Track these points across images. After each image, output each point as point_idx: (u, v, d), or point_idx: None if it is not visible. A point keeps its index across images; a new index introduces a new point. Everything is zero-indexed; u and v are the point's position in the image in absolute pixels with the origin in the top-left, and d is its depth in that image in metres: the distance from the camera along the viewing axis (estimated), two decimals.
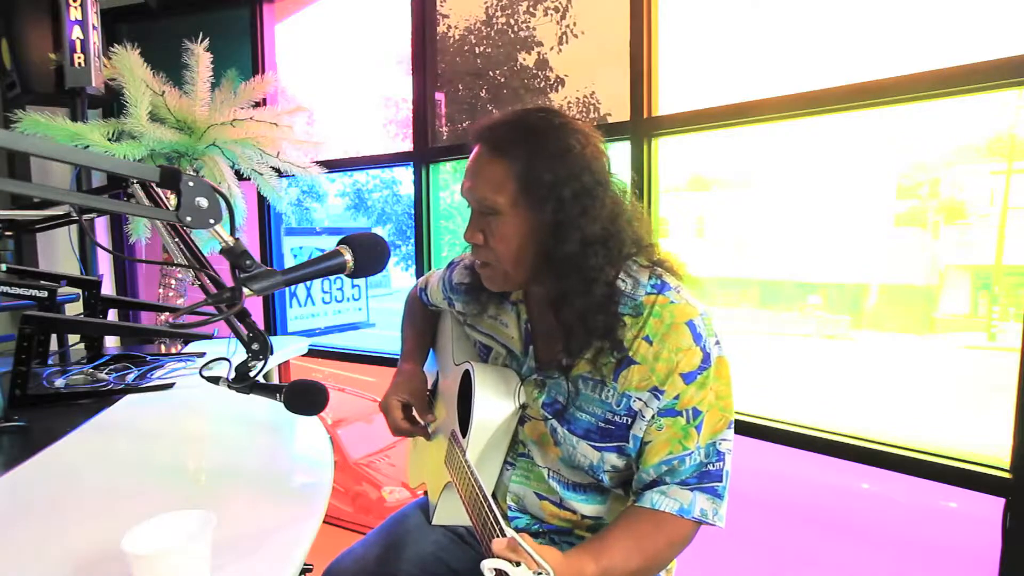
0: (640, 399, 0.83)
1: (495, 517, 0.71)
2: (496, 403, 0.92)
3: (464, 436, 0.92)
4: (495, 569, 0.63)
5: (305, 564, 0.75)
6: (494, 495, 0.99)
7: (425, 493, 1.13)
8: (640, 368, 0.82)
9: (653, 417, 0.82)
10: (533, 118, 0.85)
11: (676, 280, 0.87)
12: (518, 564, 0.64)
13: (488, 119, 0.88)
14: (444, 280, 1.12)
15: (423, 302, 1.22)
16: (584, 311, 0.82)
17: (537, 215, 0.82)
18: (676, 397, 0.81)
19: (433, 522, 1.01)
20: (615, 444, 0.86)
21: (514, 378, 0.96)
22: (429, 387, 1.16)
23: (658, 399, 0.82)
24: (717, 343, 0.83)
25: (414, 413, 1.07)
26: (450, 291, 1.11)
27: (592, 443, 0.87)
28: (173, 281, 2.25)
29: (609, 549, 0.78)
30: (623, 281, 0.85)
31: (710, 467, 0.83)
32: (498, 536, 0.67)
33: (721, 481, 0.83)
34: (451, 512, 0.99)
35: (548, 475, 0.93)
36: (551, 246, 0.82)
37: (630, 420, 0.84)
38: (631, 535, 0.81)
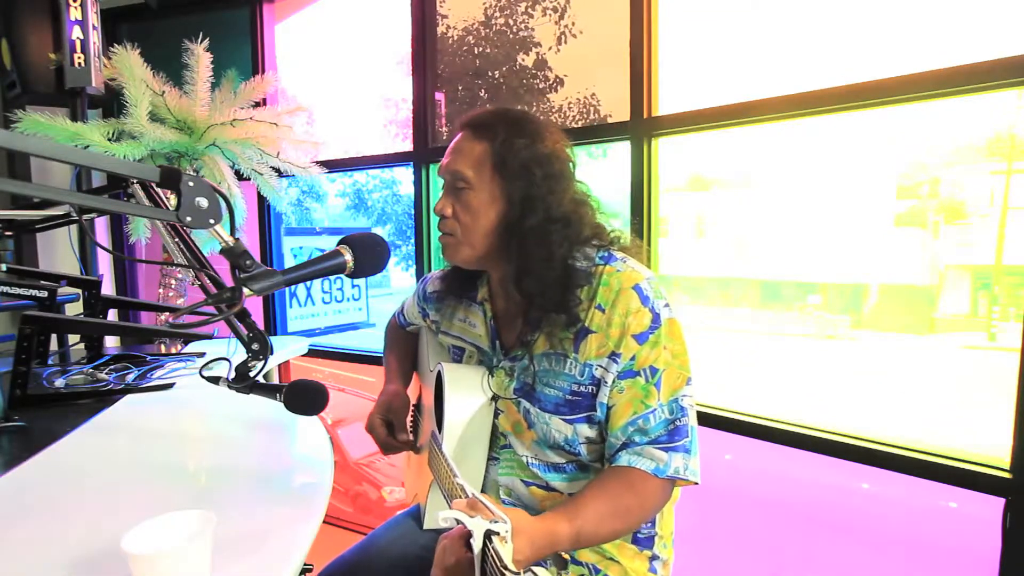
0: (601, 366, 0.87)
1: (463, 490, 0.73)
2: (465, 396, 0.95)
3: (440, 432, 0.94)
4: (452, 519, 0.64)
5: (305, 564, 0.75)
6: (485, 493, 1.00)
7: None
8: (597, 336, 0.87)
9: (614, 381, 0.86)
10: (514, 111, 0.97)
11: (622, 253, 0.93)
12: (473, 516, 0.65)
13: (476, 110, 0.98)
14: (418, 294, 1.21)
15: (401, 325, 1.30)
16: (544, 281, 0.88)
17: (507, 190, 0.90)
18: (632, 358, 0.85)
19: (424, 526, 1.02)
20: (584, 414, 0.89)
21: (482, 371, 0.99)
22: (413, 403, 1.18)
23: (616, 363, 0.86)
24: (666, 305, 0.88)
25: (397, 432, 1.10)
26: (423, 302, 1.19)
27: (563, 417, 0.90)
28: (173, 281, 2.25)
29: (583, 509, 0.81)
30: (577, 261, 0.90)
31: (677, 423, 0.85)
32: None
33: (688, 436, 0.86)
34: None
35: (528, 462, 0.95)
36: (517, 219, 0.89)
37: (595, 388, 0.88)
38: (605, 494, 0.84)
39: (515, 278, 0.91)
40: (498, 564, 0.59)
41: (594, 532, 0.81)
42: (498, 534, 0.63)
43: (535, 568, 0.56)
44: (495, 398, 0.97)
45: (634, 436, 0.85)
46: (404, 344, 1.28)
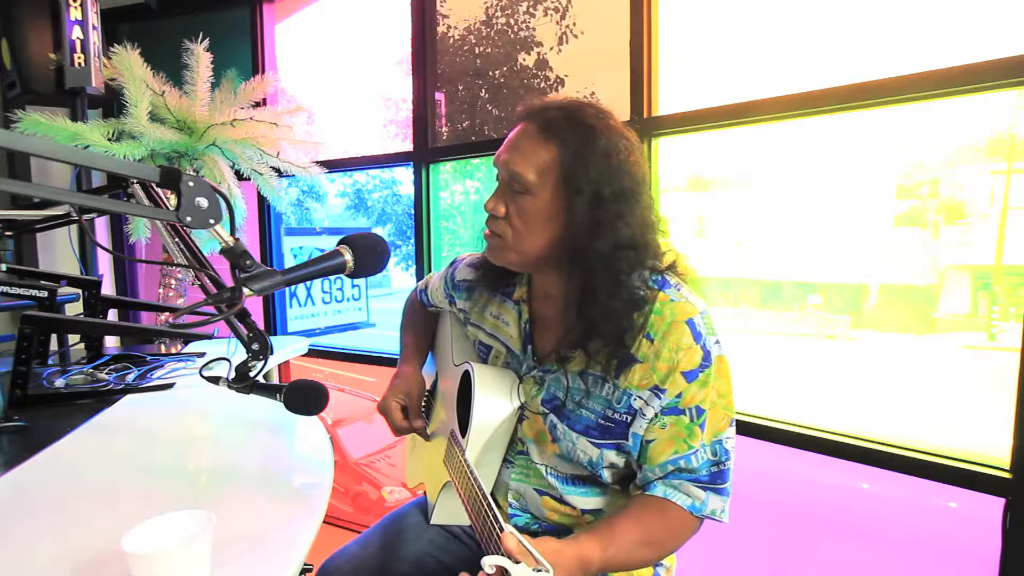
0: (641, 397, 0.83)
1: (495, 516, 0.71)
2: (495, 403, 0.92)
3: (463, 436, 0.93)
4: (495, 566, 0.63)
5: (305, 564, 0.75)
6: (493, 495, 0.99)
7: (424, 493, 1.13)
8: (642, 366, 0.83)
9: (656, 416, 0.83)
10: (590, 112, 0.85)
11: (676, 278, 0.88)
12: (517, 562, 0.64)
13: (542, 101, 0.87)
14: (446, 278, 1.13)
15: (423, 303, 1.23)
16: (610, 311, 0.82)
17: (571, 207, 0.82)
18: (679, 395, 0.82)
19: (432, 521, 1.01)
20: (614, 441, 0.86)
21: (513, 378, 0.96)
22: (428, 388, 1.17)
23: (659, 398, 0.82)
24: (717, 342, 0.84)
25: (412, 416, 1.08)
26: (452, 289, 1.11)
27: (592, 440, 0.87)
28: (173, 281, 2.25)
29: (617, 539, 0.79)
30: (636, 286, 0.84)
31: (721, 466, 0.83)
32: (498, 533, 0.68)
33: (728, 480, 0.84)
34: (449, 511, 1.00)
35: (546, 472, 0.93)
36: (583, 241, 0.82)
37: (630, 418, 0.84)
38: (639, 524, 0.82)
39: (577, 302, 0.85)
40: None
41: (624, 561, 0.80)
42: None
43: None
44: (523, 407, 0.94)
45: (674, 473, 0.83)
46: (424, 323, 1.22)
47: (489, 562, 0.64)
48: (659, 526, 0.83)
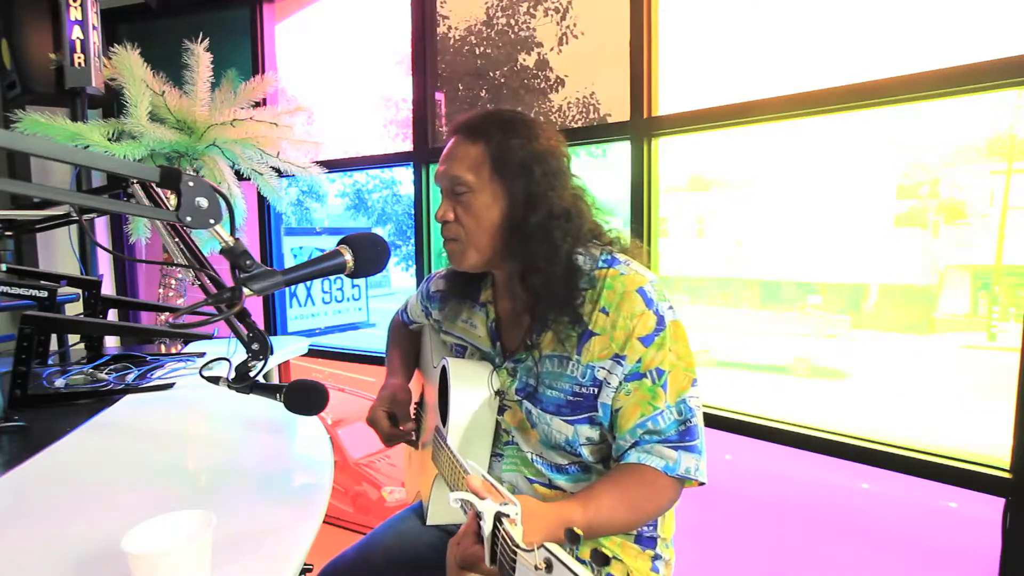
0: (603, 368, 0.87)
1: (463, 468, 0.74)
2: (471, 391, 0.96)
3: (444, 425, 0.95)
4: (460, 500, 0.64)
5: (305, 564, 0.75)
6: None
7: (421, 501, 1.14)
8: (600, 339, 0.88)
9: (620, 384, 0.87)
10: (507, 110, 0.97)
11: (625, 256, 0.94)
12: (483, 498, 0.65)
13: (466, 114, 0.98)
14: (422, 293, 1.21)
15: (404, 323, 1.31)
16: (549, 278, 0.89)
17: (509, 190, 0.91)
18: (638, 360, 0.86)
19: (428, 522, 1.02)
20: (585, 415, 0.90)
21: (488, 367, 0.99)
22: (416, 401, 1.18)
23: (621, 365, 0.86)
24: (670, 307, 0.88)
25: (400, 423, 1.10)
26: (427, 300, 1.19)
27: (564, 418, 0.91)
28: (173, 281, 2.25)
29: (597, 500, 0.82)
30: (582, 258, 0.91)
31: (688, 424, 0.86)
32: (464, 476, 0.71)
33: (697, 438, 0.87)
34: (444, 508, 1.00)
35: (533, 459, 0.96)
36: (520, 218, 0.90)
37: (596, 390, 0.89)
38: (617, 487, 0.85)
39: (520, 276, 0.92)
40: (509, 544, 0.59)
41: (607, 521, 0.82)
42: (508, 516, 0.63)
43: (547, 544, 0.56)
44: (499, 393, 0.98)
45: (644, 437, 0.86)
46: (407, 341, 1.29)
47: (454, 496, 0.64)
48: (636, 488, 0.85)
